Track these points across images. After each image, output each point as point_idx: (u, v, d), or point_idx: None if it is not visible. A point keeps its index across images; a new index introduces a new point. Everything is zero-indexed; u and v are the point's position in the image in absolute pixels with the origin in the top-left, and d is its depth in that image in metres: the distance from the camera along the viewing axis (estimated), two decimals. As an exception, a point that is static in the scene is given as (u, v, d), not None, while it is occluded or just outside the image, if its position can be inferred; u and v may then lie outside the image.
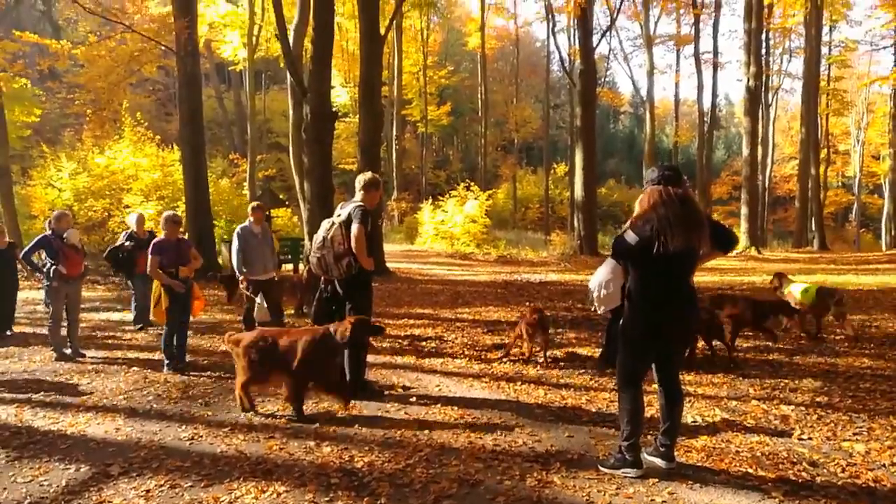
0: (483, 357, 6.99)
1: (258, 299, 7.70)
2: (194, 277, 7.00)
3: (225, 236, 17.52)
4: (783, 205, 47.41)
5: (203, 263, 8.22)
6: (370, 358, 6.11)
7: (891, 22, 26.35)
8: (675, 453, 3.80)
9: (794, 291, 7.98)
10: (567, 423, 4.68)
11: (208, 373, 6.44)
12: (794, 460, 3.88)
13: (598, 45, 25.28)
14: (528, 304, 9.69)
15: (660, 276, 3.55)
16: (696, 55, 34.74)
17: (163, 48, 15.84)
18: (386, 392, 5.53)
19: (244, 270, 7.83)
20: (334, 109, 15.11)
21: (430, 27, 43.03)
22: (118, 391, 5.78)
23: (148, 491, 3.63)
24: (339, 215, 5.47)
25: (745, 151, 25.34)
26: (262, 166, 34.01)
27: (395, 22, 23.60)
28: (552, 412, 4.96)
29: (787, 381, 5.75)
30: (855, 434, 4.35)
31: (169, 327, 6.54)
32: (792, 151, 42.94)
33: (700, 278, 6.92)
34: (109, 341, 8.17)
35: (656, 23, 37.11)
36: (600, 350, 6.88)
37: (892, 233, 30.74)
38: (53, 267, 7.03)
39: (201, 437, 4.53)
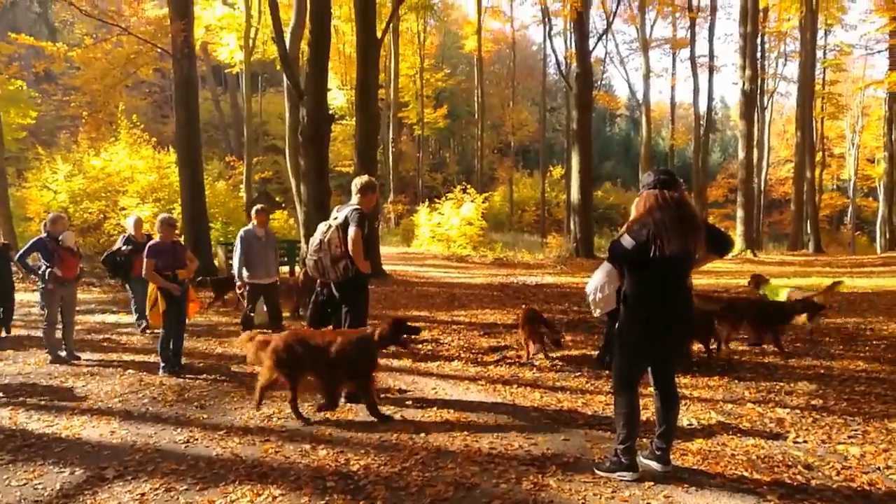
0: (479, 360, 6.99)
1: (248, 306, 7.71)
2: (190, 280, 7.00)
3: (221, 239, 17.49)
4: (779, 207, 47.57)
5: (199, 266, 8.21)
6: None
7: (885, 26, 26.41)
8: (671, 456, 3.81)
9: (783, 296, 8.06)
10: (563, 426, 4.69)
11: (204, 375, 6.43)
12: (790, 463, 3.89)
13: (594, 48, 25.38)
14: (523, 306, 9.69)
15: (656, 280, 3.56)
16: (692, 59, 34.86)
17: (159, 51, 15.83)
18: (382, 395, 5.52)
19: (244, 275, 7.81)
20: (331, 112, 15.11)
21: (426, 30, 43.09)
22: (113, 394, 5.76)
23: (143, 494, 3.62)
24: (335, 218, 5.48)
25: (741, 154, 25.41)
26: (258, 169, 33.99)
27: (391, 25, 23.63)
28: (548, 415, 4.96)
29: (782, 384, 5.76)
30: (850, 437, 4.36)
31: (166, 330, 6.53)
32: (787, 154, 43.07)
33: (696, 281, 6.95)
34: (105, 344, 8.15)
35: (652, 26, 37.34)
36: (597, 352, 6.90)
37: (887, 236, 30.78)
38: (49, 269, 7.00)
39: (197, 440, 4.52)
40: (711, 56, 35.17)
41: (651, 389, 3.84)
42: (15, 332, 8.78)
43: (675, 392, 3.81)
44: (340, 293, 5.53)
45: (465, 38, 46.45)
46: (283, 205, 25.71)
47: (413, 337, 6.11)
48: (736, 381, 5.86)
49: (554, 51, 34.10)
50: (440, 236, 25.88)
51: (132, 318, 9.30)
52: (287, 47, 15.08)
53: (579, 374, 6.30)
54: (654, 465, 3.75)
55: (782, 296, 8.08)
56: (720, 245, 3.78)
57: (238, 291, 8.48)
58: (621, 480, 3.63)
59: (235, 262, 7.86)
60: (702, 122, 35.53)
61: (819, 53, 34.18)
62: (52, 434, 4.68)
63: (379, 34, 15.88)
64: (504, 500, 3.44)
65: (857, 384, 5.73)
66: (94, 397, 5.66)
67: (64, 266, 7.07)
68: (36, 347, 7.73)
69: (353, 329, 5.22)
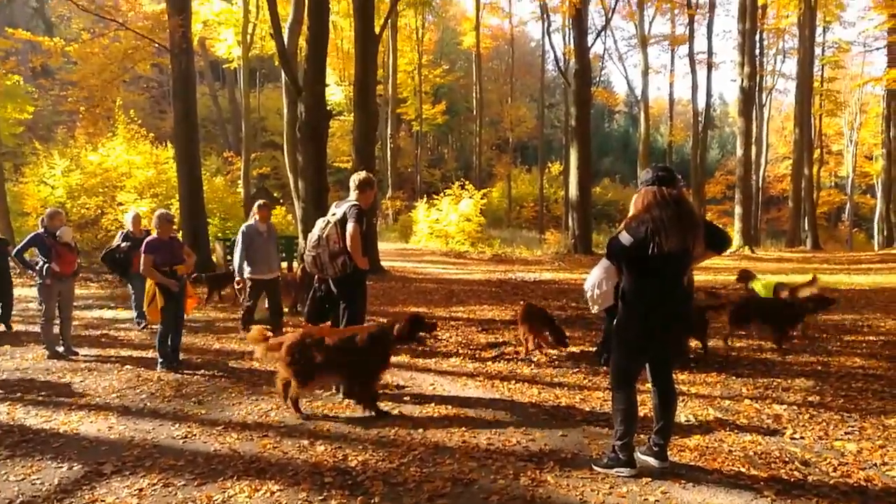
0: (477, 356, 7.00)
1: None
2: (188, 276, 7.00)
3: (219, 234, 17.47)
4: (777, 204, 47.61)
5: (196, 261, 8.20)
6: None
7: (884, 23, 26.38)
8: (669, 452, 3.81)
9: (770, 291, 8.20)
10: (561, 422, 4.70)
11: (202, 371, 6.42)
12: (787, 459, 3.90)
13: (592, 44, 25.30)
14: (521, 302, 9.70)
15: (654, 277, 3.56)
16: (691, 55, 34.83)
17: (157, 46, 15.77)
18: (380, 391, 5.52)
19: (245, 270, 7.80)
20: (329, 108, 15.08)
21: (425, 26, 43.00)
22: (111, 389, 5.76)
23: (141, 490, 3.62)
24: (334, 214, 5.48)
25: (739, 151, 25.45)
26: (256, 164, 33.92)
27: (390, 21, 23.57)
28: (546, 411, 4.97)
29: (779, 380, 5.78)
30: (847, 433, 4.37)
31: (164, 326, 6.52)
32: (785, 151, 43.08)
33: (694, 278, 7.04)
34: (102, 339, 8.14)
35: (651, 23, 37.18)
36: (596, 348, 6.91)
37: (885, 233, 30.82)
38: (46, 265, 6.99)
39: (195, 435, 4.52)
40: (710, 53, 35.19)
41: (649, 386, 3.85)
42: (13, 327, 8.77)
43: (673, 388, 3.82)
44: (338, 289, 5.53)
45: (463, 35, 46.39)
46: (281, 200, 25.65)
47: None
48: (733, 378, 5.88)
49: (552, 47, 34.02)
50: (438, 232, 25.89)
51: (130, 314, 9.30)
52: (285, 43, 15.04)
53: (577, 370, 6.30)
54: (652, 461, 3.76)
55: (769, 291, 8.27)
56: (718, 242, 3.78)
57: (237, 287, 8.47)
58: (619, 476, 3.64)
59: (236, 257, 7.85)
60: (700, 119, 35.52)
61: (817, 50, 34.17)
62: (49, 429, 4.67)
63: (377, 30, 15.87)
64: (502, 496, 3.45)
65: (854, 381, 5.75)
66: (91, 393, 5.66)
67: (61, 261, 7.05)
68: (34, 343, 7.73)
69: (361, 326, 5.21)
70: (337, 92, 37.19)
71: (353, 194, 5.55)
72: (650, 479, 3.60)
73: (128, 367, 6.63)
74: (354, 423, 4.71)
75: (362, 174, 5.71)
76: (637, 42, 35.17)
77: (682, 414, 4.73)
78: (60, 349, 7.14)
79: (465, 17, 47.57)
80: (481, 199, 25.75)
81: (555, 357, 6.83)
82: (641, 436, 4.00)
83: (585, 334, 8.05)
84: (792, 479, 3.61)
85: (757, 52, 29.90)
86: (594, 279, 4.75)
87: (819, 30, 34.08)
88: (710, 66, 35.59)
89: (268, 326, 8.12)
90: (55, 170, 19.10)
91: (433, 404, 5.13)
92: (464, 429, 4.52)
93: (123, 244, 8.63)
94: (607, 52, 53.09)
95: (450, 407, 5.04)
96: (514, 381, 5.87)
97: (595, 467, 3.76)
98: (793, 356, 6.75)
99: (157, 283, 6.46)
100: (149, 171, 19.19)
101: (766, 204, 45.35)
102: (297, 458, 4.04)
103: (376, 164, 20.91)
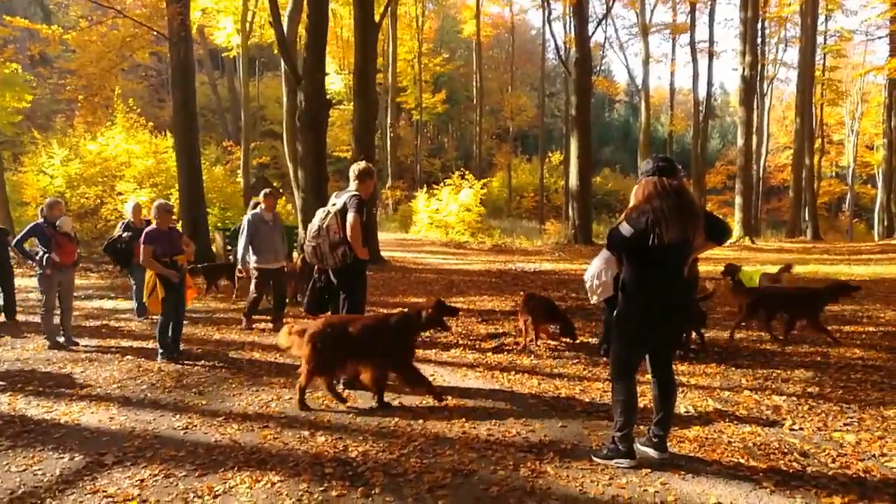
0: (477, 346, 7.01)
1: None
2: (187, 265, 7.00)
3: (219, 224, 17.45)
4: (777, 194, 47.55)
5: (195, 250, 8.19)
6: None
7: (886, 12, 26.27)
8: (668, 444, 3.82)
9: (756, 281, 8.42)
10: (560, 413, 4.71)
11: (202, 362, 6.43)
12: (786, 451, 3.91)
13: (593, 33, 25.20)
14: (522, 293, 9.71)
15: (654, 268, 3.56)
16: (692, 44, 34.72)
17: (155, 34, 15.70)
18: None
19: (251, 260, 7.78)
20: (329, 97, 15.02)
21: (425, 14, 42.82)
22: (112, 380, 5.77)
23: (142, 480, 3.63)
24: (334, 204, 5.46)
25: (740, 141, 25.39)
26: (255, 154, 33.84)
27: (389, 9, 23.42)
28: (546, 402, 4.98)
29: (779, 371, 5.79)
30: (846, 424, 4.38)
31: (164, 317, 6.52)
32: (786, 141, 42.97)
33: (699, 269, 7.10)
34: (103, 329, 8.15)
35: (652, 11, 36.98)
36: (596, 339, 6.92)
37: (885, 223, 30.80)
38: (46, 255, 6.98)
39: (195, 426, 4.53)
40: (711, 41, 35.09)
41: (648, 377, 3.85)
42: (17, 317, 8.76)
43: (673, 380, 3.82)
44: (338, 279, 5.53)
45: (463, 23, 46.17)
46: (281, 190, 25.60)
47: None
48: (733, 369, 5.89)
49: (553, 35, 34.09)
50: (438, 222, 25.87)
51: (130, 304, 9.30)
52: (285, 31, 14.96)
53: (577, 360, 6.31)
54: (652, 452, 3.77)
55: (756, 281, 8.39)
56: (718, 233, 3.78)
57: (239, 276, 8.45)
58: (618, 467, 3.65)
59: (240, 245, 7.84)
60: (701, 109, 35.44)
61: (819, 39, 33.99)
62: (50, 420, 4.69)
63: (377, 18, 15.78)
64: (501, 487, 3.46)
65: (853, 372, 5.76)
66: (92, 383, 5.67)
67: (61, 251, 7.05)
68: (34, 333, 7.74)
69: (385, 314, 5.21)
70: (336, 81, 37.04)
71: (353, 184, 5.53)
72: (650, 470, 3.61)
73: (128, 357, 6.65)
74: (355, 413, 4.72)
75: (362, 164, 5.69)
76: (638, 31, 35.04)
77: (682, 405, 4.74)
78: (61, 339, 7.15)
79: (466, 5, 47.27)
80: (481, 188, 25.71)
81: (555, 348, 6.84)
82: (641, 427, 4.01)
83: (585, 325, 8.06)
84: (791, 471, 3.62)
85: (759, 40, 29.78)
86: (594, 269, 4.75)
87: (821, 18, 33.88)
88: (711, 55, 35.50)
89: (267, 317, 8.18)
90: (54, 159, 19.05)
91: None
92: (464, 419, 4.52)
93: (125, 234, 8.61)
94: (608, 41, 52.95)
95: (450, 398, 5.03)
96: (513, 372, 5.88)
97: (595, 458, 3.77)
98: (792, 347, 6.76)
99: (158, 274, 6.45)
100: (148, 161, 19.13)
101: (767, 194, 45.32)
102: (297, 449, 4.05)
103: (376, 154, 20.86)
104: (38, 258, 7.05)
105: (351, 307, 5.46)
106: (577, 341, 6.97)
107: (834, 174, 48.70)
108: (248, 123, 25.73)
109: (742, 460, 3.76)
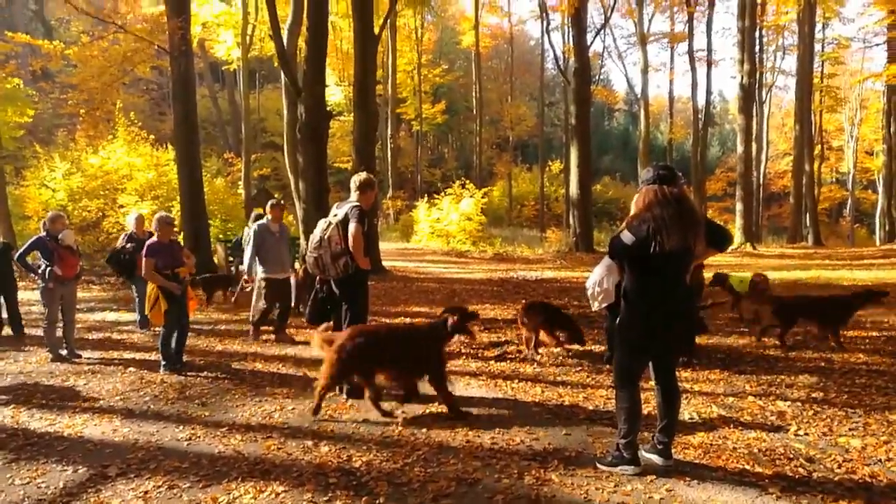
0: (480, 355, 7.00)
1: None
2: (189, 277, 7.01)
3: (220, 236, 17.47)
4: (778, 201, 47.57)
5: (196, 262, 8.19)
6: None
7: (883, 19, 26.35)
8: (673, 450, 3.82)
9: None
10: (564, 420, 4.70)
11: (205, 373, 6.43)
12: (791, 456, 3.90)
13: (592, 43, 25.38)
14: (523, 301, 9.71)
15: (656, 276, 3.57)
16: (691, 53, 34.78)
17: (156, 48, 15.78)
18: (383, 391, 5.51)
19: (258, 271, 7.79)
20: (329, 108, 15.09)
21: (424, 26, 43.02)
22: (115, 392, 5.77)
23: (146, 492, 3.62)
24: (335, 215, 5.48)
25: (740, 148, 25.44)
26: (256, 165, 33.95)
27: (389, 21, 23.56)
28: (549, 410, 4.97)
29: (783, 376, 5.77)
30: (851, 429, 4.37)
31: (167, 328, 6.52)
32: (786, 148, 43.04)
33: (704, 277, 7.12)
34: (105, 342, 8.15)
35: (650, 21, 37.25)
36: (597, 347, 6.91)
37: (886, 228, 30.74)
38: (49, 268, 7.00)
39: (199, 437, 4.52)
40: (710, 50, 35.16)
41: (652, 384, 3.85)
42: (24, 330, 8.75)
43: (676, 386, 3.82)
44: (340, 290, 5.53)
45: (462, 34, 46.40)
46: (282, 201, 25.63)
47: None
48: (737, 375, 5.87)
49: (552, 46, 33.96)
50: (439, 232, 25.89)
51: (133, 317, 9.30)
52: (285, 44, 15.06)
53: (580, 368, 6.31)
54: (656, 459, 3.76)
55: (746, 286, 8.38)
56: (719, 240, 3.79)
57: (246, 287, 8.45)
58: (623, 475, 3.64)
59: (247, 256, 7.85)
60: (700, 116, 35.47)
61: (817, 47, 34.10)
62: (54, 433, 4.68)
63: (377, 30, 15.88)
64: (506, 496, 3.45)
65: (857, 376, 5.74)
66: (95, 396, 5.66)
67: (64, 265, 7.06)
68: (37, 346, 7.74)
69: (411, 324, 5.25)
70: (336, 92, 37.19)
71: (353, 195, 5.55)
72: (654, 477, 3.60)
73: (131, 369, 6.64)
74: (358, 423, 4.71)
75: (363, 175, 5.71)
76: (636, 40, 35.15)
77: (686, 411, 4.72)
78: (64, 352, 7.15)
79: (464, 16, 47.55)
80: (482, 198, 25.75)
81: (558, 356, 6.83)
82: (645, 434, 4.00)
83: (587, 333, 8.01)
84: (796, 476, 3.61)
85: (757, 48, 29.86)
86: (596, 277, 4.76)
87: (819, 26, 34.05)
88: (709, 64, 35.58)
89: (270, 328, 8.18)
90: (56, 173, 19.09)
91: (436, 404, 5.11)
92: (467, 428, 4.51)
93: (129, 245, 8.63)
94: (607, 51, 52.91)
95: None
96: (517, 380, 5.87)
97: (599, 466, 3.76)
98: (796, 352, 6.74)
99: (160, 287, 6.45)
100: (149, 174, 19.16)
101: (768, 200, 45.33)
102: (301, 459, 4.04)
103: (377, 165, 20.93)
104: (40, 271, 7.06)
105: (353, 318, 5.46)
106: (573, 347, 6.96)
107: (834, 180, 48.70)
108: (249, 135, 25.81)
109: (747, 466, 3.75)
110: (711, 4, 33.94)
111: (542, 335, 6.92)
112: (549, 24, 36.04)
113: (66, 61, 19.04)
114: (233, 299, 11.02)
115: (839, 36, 37.54)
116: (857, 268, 15.76)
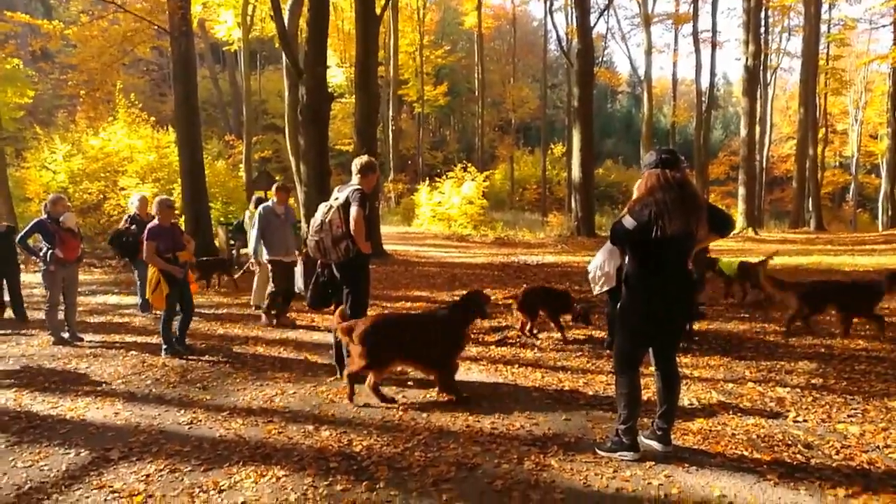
0: (480, 340, 7.01)
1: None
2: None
3: (221, 219, 17.45)
4: (780, 185, 47.35)
5: (196, 245, 8.19)
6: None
7: (890, 0, 26.09)
8: (672, 436, 3.83)
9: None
10: (564, 406, 4.71)
11: (206, 357, 6.46)
12: (790, 442, 3.91)
13: (595, 24, 24.99)
14: (524, 286, 9.71)
15: (658, 261, 3.55)
16: (695, 34, 34.46)
17: (156, 28, 15.65)
18: (385, 377, 5.53)
19: (260, 254, 7.78)
20: (330, 90, 14.99)
21: (426, 6, 42.62)
22: (117, 375, 5.80)
23: (148, 475, 3.65)
24: (336, 198, 5.45)
25: (743, 132, 25.29)
26: (257, 148, 33.82)
27: (390, 1, 23.33)
28: (549, 395, 4.99)
29: (782, 363, 5.78)
30: (850, 416, 4.38)
31: (167, 312, 6.54)
32: (790, 131, 42.76)
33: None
34: (107, 325, 8.18)
35: (654, 1, 36.83)
36: (597, 332, 6.92)
37: (889, 213, 30.61)
38: (50, 251, 7.00)
39: (200, 421, 4.55)
40: (714, 31, 34.76)
41: (652, 369, 3.85)
42: (26, 315, 8.76)
43: (676, 372, 3.83)
44: (342, 274, 5.52)
45: (465, 14, 45.90)
46: (287, 184, 25.56)
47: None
48: (737, 361, 5.88)
49: (555, 26, 33.78)
50: (441, 215, 25.82)
51: (134, 300, 9.32)
52: (286, 24, 14.93)
53: (580, 353, 6.32)
54: (655, 444, 3.78)
55: (734, 270, 8.53)
56: (721, 225, 3.77)
57: (253, 269, 8.45)
58: (622, 460, 3.66)
59: (252, 239, 7.84)
60: (704, 99, 35.24)
61: (823, 28, 33.71)
62: (56, 416, 4.71)
63: (378, 10, 15.71)
64: (506, 480, 3.47)
65: (857, 363, 5.75)
66: (97, 379, 5.70)
67: (65, 247, 7.07)
68: (39, 329, 7.77)
69: (430, 311, 5.25)
70: (338, 74, 36.97)
71: (355, 178, 5.52)
72: (654, 463, 3.62)
73: (133, 352, 6.67)
74: (359, 408, 4.74)
75: (364, 158, 5.68)
76: (640, 21, 34.85)
77: (686, 397, 4.73)
78: (65, 335, 7.18)
79: (467, -4, 47.09)
80: (484, 181, 25.63)
81: (558, 341, 6.84)
82: (645, 419, 4.02)
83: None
84: (795, 462, 3.63)
85: (762, 29, 29.59)
86: (598, 261, 4.77)
87: (825, 7, 33.62)
88: (714, 45, 35.21)
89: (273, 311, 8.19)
90: (56, 154, 19.02)
91: (437, 389, 5.13)
92: (467, 413, 4.54)
93: (132, 227, 8.61)
94: (610, 32, 52.78)
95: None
96: (517, 365, 5.89)
97: (599, 451, 3.78)
98: (796, 339, 6.74)
99: (161, 270, 6.46)
100: (150, 156, 19.09)
101: (770, 184, 45.15)
102: (302, 444, 4.07)
103: (378, 147, 20.83)
104: (41, 254, 7.07)
105: (354, 302, 5.45)
106: (573, 333, 6.98)
107: (837, 164, 48.43)
108: (250, 117, 25.68)
109: (746, 452, 3.77)
110: (717, -15, 33.57)
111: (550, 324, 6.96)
112: (552, 4, 35.81)
113: (66, 41, 18.91)
114: (233, 281, 11.02)
115: (845, 17, 37.13)
116: (859, 253, 15.72)
